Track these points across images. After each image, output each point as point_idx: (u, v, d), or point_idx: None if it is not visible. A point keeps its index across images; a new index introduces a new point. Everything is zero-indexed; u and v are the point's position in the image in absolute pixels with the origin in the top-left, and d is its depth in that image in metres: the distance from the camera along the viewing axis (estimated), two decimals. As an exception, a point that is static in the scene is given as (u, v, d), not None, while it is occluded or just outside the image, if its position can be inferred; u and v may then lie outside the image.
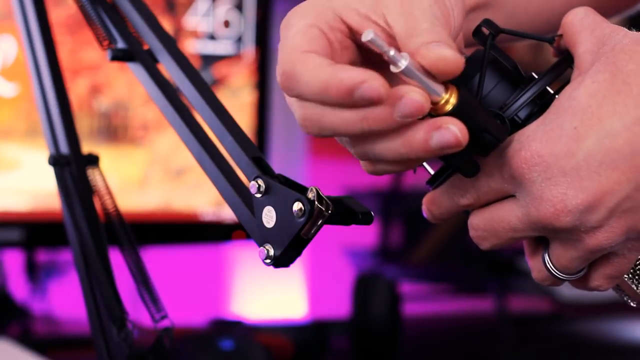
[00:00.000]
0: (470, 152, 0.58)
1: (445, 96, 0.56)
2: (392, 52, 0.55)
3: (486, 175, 0.59)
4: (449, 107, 0.56)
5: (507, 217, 0.59)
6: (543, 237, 0.60)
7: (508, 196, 0.59)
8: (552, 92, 0.61)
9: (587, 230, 0.57)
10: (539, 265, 0.61)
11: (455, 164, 0.59)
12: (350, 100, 0.54)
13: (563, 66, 0.62)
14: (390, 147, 0.56)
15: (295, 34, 0.58)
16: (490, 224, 0.60)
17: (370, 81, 0.53)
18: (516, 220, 0.59)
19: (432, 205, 0.63)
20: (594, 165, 0.56)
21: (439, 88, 0.56)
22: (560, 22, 0.63)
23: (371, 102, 0.53)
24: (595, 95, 0.57)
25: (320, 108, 0.55)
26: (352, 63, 0.60)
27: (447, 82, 0.57)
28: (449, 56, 0.55)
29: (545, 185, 0.57)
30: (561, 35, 0.62)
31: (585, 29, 0.60)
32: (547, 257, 0.61)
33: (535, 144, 0.57)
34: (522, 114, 0.60)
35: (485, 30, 0.62)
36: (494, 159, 0.59)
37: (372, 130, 0.55)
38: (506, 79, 0.61)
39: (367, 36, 0.55)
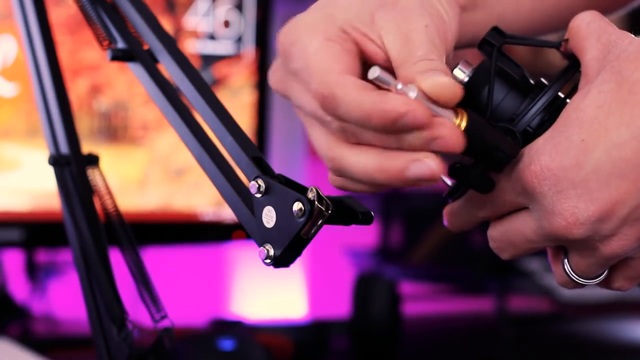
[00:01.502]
0: (484, 170, 0.59)
1: (457, 120, 0.57)
2: (400, 86, 0.56)
3: (501, 190, 0.60)
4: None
5: (522, 230, 0.60)
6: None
7: (523, 207, 0.60)
8: (562, 96, 0.61)
9: (601, 240, 0.58)
10: (561, 271, 0.62)
11: (470, 183, 0.60)
12: (392, 129, 0.55)
13: (571, 71, 0.62)
14: (365, 168, 0.57)
15: (318, 52, 0.59)
16: (507, 236, 0.61)
17: (413, 112, 0.55)
18: (531, 232, 0.60)
19: (452, 216, 0.64)
20: (603, 176, 0.57)
21: (448, 113, 0.57)
22: (550, 23, 0.63)
23: (412, 130, 0.55)
24: (602, 107, 0.57)
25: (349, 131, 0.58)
26: (361, 69, 0.60)
27: (456, 107, 0.57)
28: (446, 84, 0.56)
29: (557, 199, 0.58)
30: (567, 40, 0.62)
31: (591, 35, 0.60)
32: (566, 264, 0.61)
33: (544, 158, 0.58)
34: (534, 124, 0.61)
35: (491, 43, 0.62)
36: (507, 174, 0.60)
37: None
38: (515, 88, 0.62)
39: (373, 74, 0.56)
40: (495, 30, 0.63)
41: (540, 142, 0.59)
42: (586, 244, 0.59)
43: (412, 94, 0.56)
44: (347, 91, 0.56)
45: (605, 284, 0.62)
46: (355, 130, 0.57)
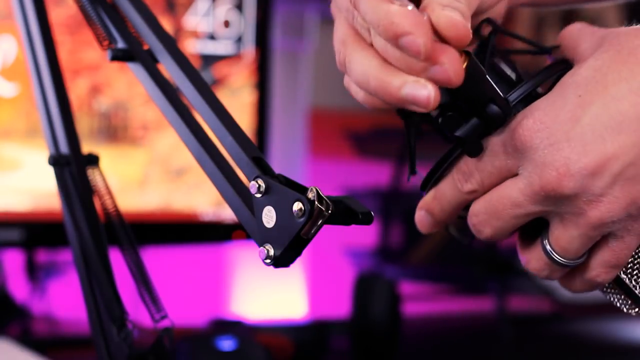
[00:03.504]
0: (477, 125, 0.58)
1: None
2: (410, 7, 0.55)
3: (490, 154, 0.59)
4: None
5: (508, 192, 0.59)
6: (538, 225, 0.60)
7: (512, 176, 0.59)
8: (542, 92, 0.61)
9: (589, 200, 0.57)
10: (537, 254, 0.60)
11: (461, 139, 0.59)
12: (395, 44, 0.55)
13: (559, 67, 0.62)
14: (365, 72, 0.57)
15: None
16: (491, 204, 0.60)
17: (414, 37, 0.54)
18: (518, 193, 0.58)
19: (433, 202, 0.62)
20: (599, 129, 0.56)
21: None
22: None
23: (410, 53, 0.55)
24: (600, 68, 0.57)
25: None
26: None
27: (463, 51, 0.57)
28: (455, 22, 0.55)
29: (549, 152, 0.57)
30: (559, 46, 0.63)
31: (585, 32, 0.61)
32: (546, 242, 0.60)
33: (538, 112, 0.57)
34: (516, 110, 0.60)
35: (485, 30, 0.62)
36: (498, 137, 0.59)
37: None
38: (505, 80, 0.61)
39: None
40: (488, 21, 0.63)
41: (535, 103, 0.58)
42: (573, 205, 0.57)
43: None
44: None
45: (582, 273, 0.60)
46: (372, 32, 0.56)
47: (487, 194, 0.60)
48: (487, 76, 0.58)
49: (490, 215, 0.60)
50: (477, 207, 0.60)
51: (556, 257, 0.60)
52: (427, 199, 0.63)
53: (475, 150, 0.59)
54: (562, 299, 1.74)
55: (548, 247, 0.60)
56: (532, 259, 0.61)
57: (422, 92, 0.55)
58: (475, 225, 0.61)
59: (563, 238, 0.59)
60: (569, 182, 0.56)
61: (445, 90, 0.57)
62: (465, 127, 0.58)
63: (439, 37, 0.56)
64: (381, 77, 0.56)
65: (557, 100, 0.57)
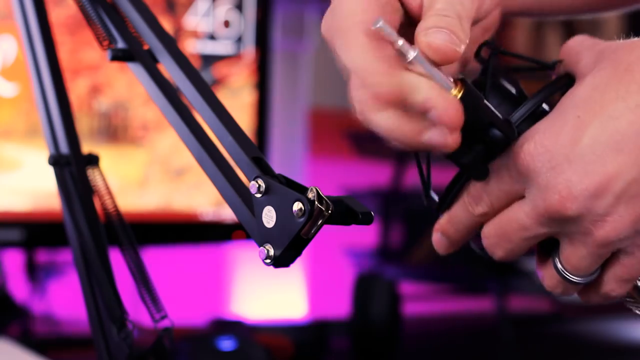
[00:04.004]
0: (481, 151, 0.58)
1: (454, 91, 0.56)
2: (400, 42, 0.55)
3: (496, 178, 0.60)
4: None
5: (516, 216, 0.59)
6: (553, 242, 0.60)
7: (520, 198, 0.60)
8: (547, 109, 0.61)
9: (594, 221, 0.57)
10: (550, 272, 0.61)
11: (466, 166, 0.59)
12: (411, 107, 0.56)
13: (562, 81, 0.62)
14: (387, 128, 0.57)
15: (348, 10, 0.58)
16: (500, 227, 0.60)
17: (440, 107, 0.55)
18: (524, 216, 0.59)
19: (447, 224, 0.63)
20: (599, 150, 0.56)
21: (445, 80, 0.56)
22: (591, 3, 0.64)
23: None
24: (597, 87, 0.57)
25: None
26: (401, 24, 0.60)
27: (458, 79, 0.57)
28: (439, 44, 0.56)
29: (551, 175, 0.57)
30: (561, 61, 0.63)
31: (585, 48, 0.61)
32: (557, 261, 0.60)
33: (538, 136, 0.58)
34: (523, 128, 0.60)
35: (486, 53, 0.62)
36: (503, 161, 0.59)
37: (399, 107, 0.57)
38: (508, 100, 0.61)
39: (376, 24, 0.55)
40: (487, 44, 0.63)
41: (535, 125, 0.59)
42: (579, 226, 0.57)
43: (412, 53, 0.56)
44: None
45: (596, 288, 0.61)
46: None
47: (497, 217, 0.61)
48: (486, 101, 0.58)
49: (500, 237, 0.61)
50: (487, 230, 0.61)
51: (568, 275, 0.60)
52: (442, 221, 0.64)
53: (481, 174, 0.60)
54: (562, 299, 1.74)
55: (559, 265, 0.60)
56: (546, 276, 0.62)
57: (437, 137, 0.56)
58: (488, 247, 0.62)
59: (573, 257, 0.59)
60: (572, 205, 0.57)
61: None
62: (470, 154, 0.58)
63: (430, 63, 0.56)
64: (401, 129, 0.57)
65: (556, 122, 0.58)
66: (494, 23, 0.67)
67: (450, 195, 0.63)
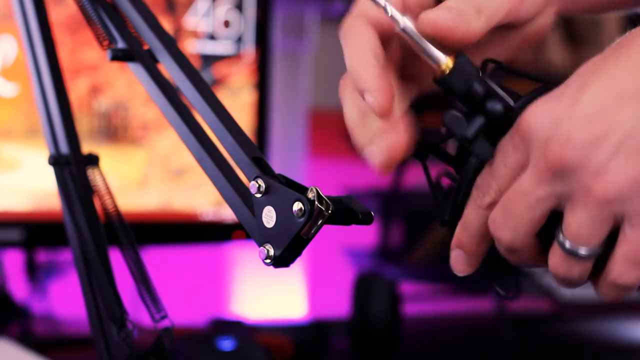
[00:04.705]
0: (482, 124, 0.58)
1: (445, 64, 0.58)
2: (389, 9, 0.56)
3: (501, 156, 0.59)
4: (446, 70, 0.58)
5: (519, 185, 0.58)
6: (556, 222, 0.59)
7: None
8: None
9: (593, 173, 0.56)
10: (554, 249, 0.59)
11: (468, 139, 0.59)
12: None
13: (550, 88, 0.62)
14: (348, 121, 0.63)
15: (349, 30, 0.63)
16: (505, 202, 0.59)
17: (371, 91, 0.60)
18: (527, 180, 0.58)
19: (461, 232, 0.62)
20: (600, 104, 0.56)
21: (437, 54, 0.57)
22: None
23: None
24: (600, 58, 0.58)
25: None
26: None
27: (455, 51, 0.58)
28: (435, 18, 0.59)
29: (552, 129, 0.57)
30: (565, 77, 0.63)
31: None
32: (559, 233, 0.58)
33: (540, 102, 0.58)
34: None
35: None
36: (506, 137, 0.59)
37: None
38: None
39: None
40: (492, 61, 0.63)
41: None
42: (579, 181, 0.56)
43: (401, 21, 0.57)
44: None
45: (604, 278, 0.59)
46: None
47: (502, 197, 0.60)
48: (481, 73, 0.58)
49: (505, 214, 0.59)
50: (493, 213, 0.60)
51: (570, 247, 0.58)
52: (456, 233, 0.63)
53: (485, 150, 0.59)
54: (562, 299, 1.74)
55: (561, 237, 0.59)
56: (551, 257, 0.60)
57: (377, 156, 0.62)
58: (495, 231, 0.60)
59: (574, 223, 0.58)
60: (572, 152, 0.56)
61: (444, 88, 0.58)
62: (472, 126, 0.58)
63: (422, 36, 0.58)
64: (353, 128, 0.63)
65: (559, 89, 0.58)
66: (542, 29, 0.66)
67: (460, 195, 0.62)
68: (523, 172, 0.59)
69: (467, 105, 0.59)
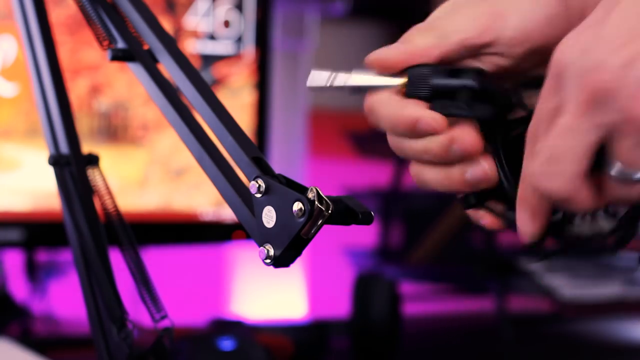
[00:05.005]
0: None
1: (399, 82, 0.63)
2: (334, 75, 0.64)
3: (541, 102, 0.59)
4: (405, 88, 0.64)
5: (559, 124, 0.58)
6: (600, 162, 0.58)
7: None
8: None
9: (629, 96, 0.55)
10: (607, 183, 0.58)
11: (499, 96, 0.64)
12: (414, 132, 0.64)
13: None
14: (437, 181, 0.65)
15: None
16: (547, 147, 0.58)
17: (424, 117, 0.63)
18: (567, 117, 0.57)
19: (523, 188, 0.61)
20: (626, 26, 0.56)
21: (387, 81, 0.63)
22: None
23: (428, 133, 0.63)
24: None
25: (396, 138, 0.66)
26: None
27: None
28: (378, 54, 0.64)
29: (583, 59, 0.57)
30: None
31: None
32: (610, 167, 0.57)
33: (567, 37, 0.59)
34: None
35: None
36: (545, 82, 0.59)
37: (432, 159, 0.65)
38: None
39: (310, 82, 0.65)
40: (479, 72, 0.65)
41: None
42: (617, 108, 0.56)
43: (349, 80, 0.64)
44: (379, 105, 0.64)
45: None
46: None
47: (545, 144, 0.59)
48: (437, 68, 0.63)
49: (549, 160, 0.58)
50: (537, 164, 0.59)
51: (623, 174, 0.57)
52: (519, 193, 0.62)
53: (486, 111, 0.63)
54: (562, 299, 1.74)
55: (614, 170, 0.57)
56: (605, 187, 0.59)
57: (478, 171, 0.65)
58: (545, 185, 0.59)
59: (622, 148, 0.57)
60: (606, 76, 0.56)
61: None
62: (456, 104, 0.63)
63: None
64: (448, 177, 0.65)
65: (585, 21, 0.59)
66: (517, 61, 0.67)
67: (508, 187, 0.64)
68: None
69: (450, 97, 0.62)
